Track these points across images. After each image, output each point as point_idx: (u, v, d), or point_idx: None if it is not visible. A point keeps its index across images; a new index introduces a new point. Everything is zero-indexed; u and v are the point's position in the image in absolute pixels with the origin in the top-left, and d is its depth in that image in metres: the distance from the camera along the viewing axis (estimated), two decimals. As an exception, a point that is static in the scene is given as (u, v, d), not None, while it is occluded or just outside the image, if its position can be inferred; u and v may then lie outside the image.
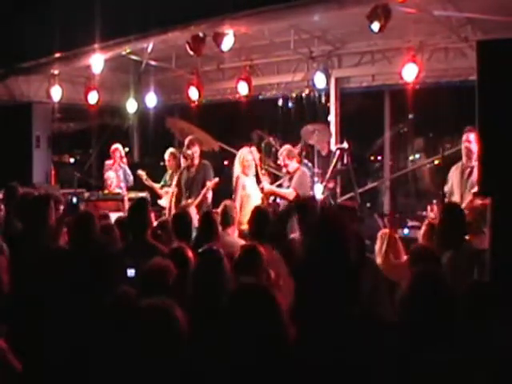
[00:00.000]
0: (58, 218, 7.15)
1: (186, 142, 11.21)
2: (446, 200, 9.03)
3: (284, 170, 10.56)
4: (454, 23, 10.37)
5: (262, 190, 10.33)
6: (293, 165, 10.40)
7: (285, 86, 13.92)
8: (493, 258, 6.05)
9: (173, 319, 3.64)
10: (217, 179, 11.04)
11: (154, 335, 3.58)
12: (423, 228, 7.12)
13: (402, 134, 14.52)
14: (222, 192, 11.32)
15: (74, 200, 8.81)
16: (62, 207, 8.11)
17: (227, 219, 7.77)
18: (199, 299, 4.52)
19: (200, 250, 5.17)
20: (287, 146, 10.79)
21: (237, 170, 10.59)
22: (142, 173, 12.66)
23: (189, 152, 11.46)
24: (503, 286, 5.49)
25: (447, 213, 6.69)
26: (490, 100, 6.05)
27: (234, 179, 10.60)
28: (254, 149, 10.81)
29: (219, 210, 8.07)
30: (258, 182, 10.63)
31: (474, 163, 8.62)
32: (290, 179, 10.32)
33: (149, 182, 12.56)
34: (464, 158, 8.88)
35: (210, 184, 10.91)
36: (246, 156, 10.54)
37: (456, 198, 8.75)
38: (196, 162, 11.15)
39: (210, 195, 11.09)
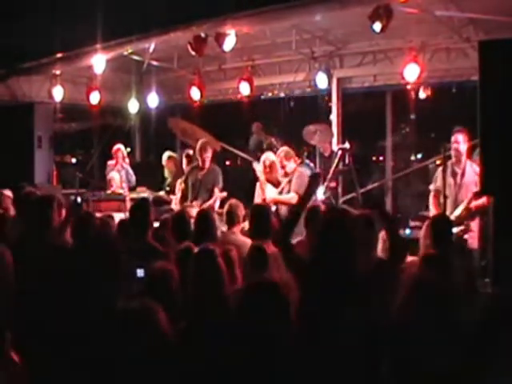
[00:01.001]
0: (63, 219, 7.15)
1: (199, 145, 11.12)
2: (431, 197, 9.11)
3: (281, 171, 10.50)
4: (456, 23, 10.37)
5: (264, 200, 10.26)
6: (290, 165, 10.35)
7: (286, 87, 13.93)
8: (495, 257, 6.06)
9: (153, 321, 3.65)
10: (225, 194, 10.98)
11: (136, 336, 3.60)
12: (423, 228, 7.09)
13: (404, 134, 14.53)
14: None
15: (79, 200, 8.78)
16: (64, 210, 8.09)
17: (232, 218, 7.74)
18: (197, 298, 4.53)
19: (196, 250, 5.16)
20: (285, 148, 10.77)
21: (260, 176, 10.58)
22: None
23: (190, 152, 11.44)
24: (505, 284, 5.50)
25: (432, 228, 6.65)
26: (491, 100, 6.06)
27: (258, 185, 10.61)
28: (271, 154, 10.82)
29: (224, 209, 8.07)
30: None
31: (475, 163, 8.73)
32: (289, 181, 10.26)
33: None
34: (453, 159, 8.97)
35: (218, 195, 10.86)
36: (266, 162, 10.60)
37: (450, 200, 8.78)
38: (207, 165, 11.07)
39: (217, 204, 11.05)
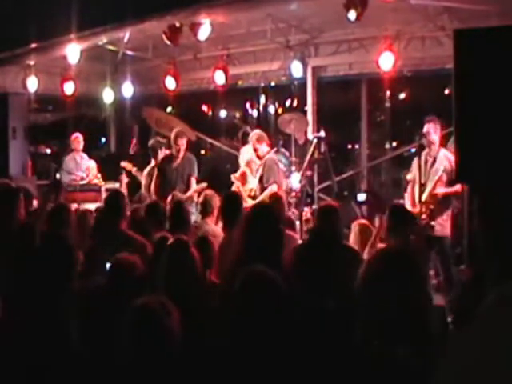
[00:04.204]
0: (36, 208, 7.10)
1: (173, 134, 11.08)
2: (409, 188, 9.20)
3: (254, 153, 10.57)
4: (431, 12, 10.41)
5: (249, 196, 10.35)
6: (263, 149, 10.42)
7: (262, 75, 13.91)
8: (469, 245, 6.11)
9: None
10: (204, 184, 10.88)
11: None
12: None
13: (379, 123, 14.58)
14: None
15: (58, 176, 8.73)
16: (35, 202, 8.02)
17: (207, 209, 7.81)
18: (169, 290, 4.51)
19: (169, 242, 5.17)
20: (257, 131, 10.85)
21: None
22: (126, 165, 12.48)
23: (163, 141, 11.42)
24: (478, 270, 5.56)
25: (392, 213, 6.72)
26: (466, 88, 6.10)
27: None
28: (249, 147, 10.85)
29: (200, 199, 8.11)
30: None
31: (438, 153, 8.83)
32: (263, 168, 10.29)
33: (138, 174, 12.35)
34: (427, 148, 9.05)
35: (198, 187, 10.74)
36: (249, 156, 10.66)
37: (419, 187, 8.88)
38: (181, 154, 11.01)
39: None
